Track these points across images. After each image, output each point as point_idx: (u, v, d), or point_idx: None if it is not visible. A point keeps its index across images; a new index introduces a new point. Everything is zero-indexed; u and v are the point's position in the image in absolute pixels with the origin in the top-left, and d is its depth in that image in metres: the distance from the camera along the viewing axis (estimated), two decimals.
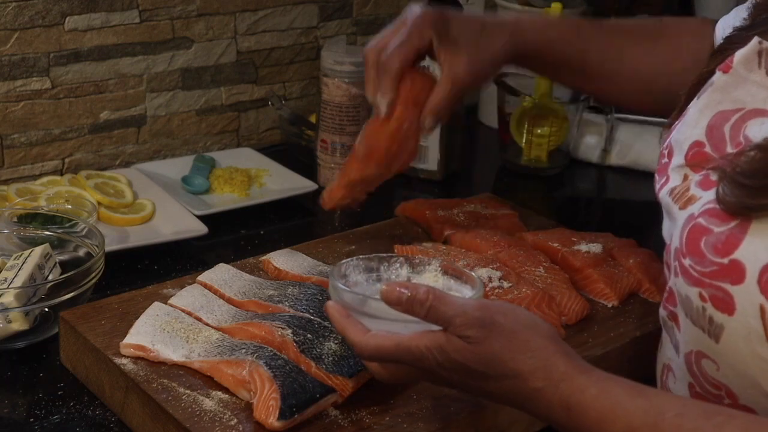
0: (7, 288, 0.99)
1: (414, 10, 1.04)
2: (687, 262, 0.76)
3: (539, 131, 1.54)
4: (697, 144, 0.81)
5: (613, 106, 1.48)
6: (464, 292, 0.86)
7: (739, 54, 0.78)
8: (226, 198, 1.38)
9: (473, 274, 0.88)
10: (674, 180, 0.83)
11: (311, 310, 0.96)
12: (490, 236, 1.16)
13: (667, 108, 0.95)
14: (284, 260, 1.09)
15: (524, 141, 1.56)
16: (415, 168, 1.51)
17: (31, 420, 0.92)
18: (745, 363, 0.73)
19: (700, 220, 0.76)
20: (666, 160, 0.86)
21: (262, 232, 1.32)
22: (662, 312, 0.86)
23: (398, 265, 0.89)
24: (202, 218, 1.27)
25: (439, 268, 0.88)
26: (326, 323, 0.94)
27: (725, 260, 0.73)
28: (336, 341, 0.92)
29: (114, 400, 0.93)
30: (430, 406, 0.89)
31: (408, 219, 1.26)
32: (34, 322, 1.02)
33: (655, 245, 1.22)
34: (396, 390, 0.91)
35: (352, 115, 1.40)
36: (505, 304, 0.80)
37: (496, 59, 1.07)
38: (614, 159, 1.61)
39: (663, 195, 0.84)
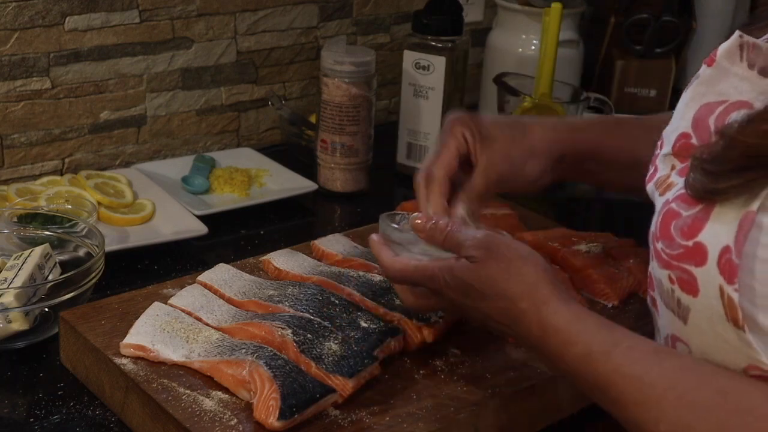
0: (7, 288, 0.99)
1: (446, 119, 1.04)
2: (659, 245, 0.79)
3: None
4: (683, 135, 0.83)
5: None
6: None
7: (722, 48, 0.80)
8: (226, 198, 1.38)
9: (504, 232, 0.98)
10: (661, 170, 0.85)
11: (311, 310, 0.96)
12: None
13: None
14: (284, 260, 1.09)
15: None
16: (415, 168, 1.51)
17: (31, 420, 0.92)
18: (710, 344, 0.76)
19: (673, 204, 0.79)
20: (657, 151, 0.88)
21: (262, 232, 1.32)
22: (648, 298, 0.89)
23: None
24: (202, 218, 1.27)
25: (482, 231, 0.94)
26: (326, 323, 0.94)
27: (690, 243, 0.75)
28: (336, 341, 0.92)
29: (114, 400, 0.93)
30: (430, 406, 0.89)
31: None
32: (34, 322, 1.02)
33: None
34: (396, 390, 0.91)
35: (352, 115, 1.40)
36: (510, 238, 0.89)
37: (537, 149, 1.03)
38: None
39: (650, 186, 0.87)
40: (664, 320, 0.82)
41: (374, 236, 0.94)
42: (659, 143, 0.88)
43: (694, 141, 0.82)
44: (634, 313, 1.07)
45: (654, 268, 0.81)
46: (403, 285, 0.92)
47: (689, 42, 1.86)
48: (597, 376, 0.77)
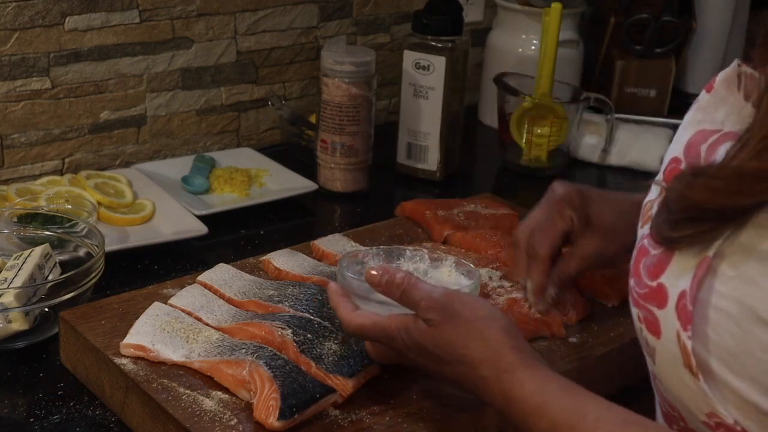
0: (7, 288, 0.99)
1: (556, 190, 1.04)
2: (631, 282, 0.78)
3: (539, 131, 1.55)
4: (674, 160, 0.81)
5: None
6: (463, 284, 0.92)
7: (721, 75, 0.79)
8: (226, 198, 1.38)
9: (476, 269, 0.93)
10: (652, 194, 0.83)
11: (311, 310, 0.96)
12: (490, 236, 1.16)
13: None
14: (284, 260, 1.09)
15: (524, 141, 1.56)
16: (415, 168, 1.51)
17: (31, 420, 0.92)
18: (676, 387, 0.74)
19: (645, 241, 0.78)
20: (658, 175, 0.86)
21: (262, 232, 1.32)
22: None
23: (418, 258, 0.96)
24: (202, 218, 1.27)
25: (454, 264, 0.95)
26: (326, 323, 0.94)
27: (654, 283, 0.74)
28: (336, 341, 0.92)
29: (114, 400, 0.93)
30: (430, 406, 0.89)
31: (408, 219, 1.26)
32: (34, 322, 1.02)
33: None
34: (396, 390, 0.91)
35: (352, 115, 1.40)
36: (469, 296, 0.85)
37: (628, 248, 0.99)
38: (614, 159, 1.61)
39: (642, 209, 0.84)
40: (645, 357, 0.80)
41: (332, 285, 0.90)
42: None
43: (683, 167, 0.80)
44: None
45: (630, 305, 0.79)
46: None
47: (689, 42, 1.86)
48: None
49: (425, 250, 0.96)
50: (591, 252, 1.02)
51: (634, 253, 0.79)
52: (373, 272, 0.86)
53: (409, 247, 0.97)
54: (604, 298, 1.09)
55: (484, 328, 0.80)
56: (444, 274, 0.94)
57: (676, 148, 0.82)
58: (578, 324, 1.04)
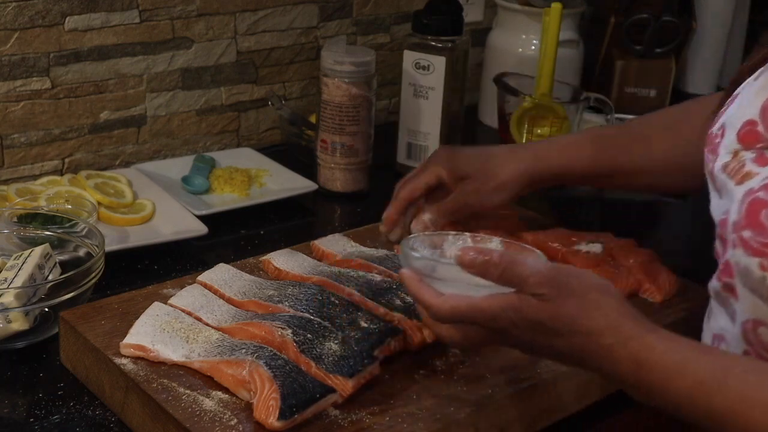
0: (7, 288, 0.99)
1: (431, 153, 1.21)
2: (746, 234, 0.79)
3: (539, 131, 1.54)
4: (750, 123, 0.84)
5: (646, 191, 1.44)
6: None
7: None
8: (226, 198, 1.38)
9: (533, 248, 0.91)
10: (724, 156, 0.86)
11: (311, 310, 0.96)
12: (489, 236, 1.15)
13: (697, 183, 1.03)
14: (284, 260, 1.09)
15: (524, 141, 1.56)
16: (415, 168, 1.51)
17: (31, 420, 0.92)
18: None
19: (760, 194, 0.79)
20: (719, 139, 0.89)
21: (262, 232, 1.32)
22: (714, 285, 0.89)
23: (461, 242, 0.94)
24: (202, 218, 1.27)
25: (500, 244, 0.93)
26: (326, 323, 0.94)
27: None
28: (336, 341, 0.92)
29: (114, 400, 0.93)
30: (430, 406, 0.89)
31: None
32: (34, 322, 1.02)
33: (655, 245, 1.22)
34: (396, 390, 0.91)
35: (352, 115, 1.40)
36: (576, 268, 0.85)
37: (506, 184, 1.15)
38: None
39: (717, 171, 0.87)
40: (746, 305, 0.82)
41: (406, 271, 0.86)
42: (720, 131, 0.89)
43: (760, 129, 0.83)
44: None
45: (736, 255, 0.81)
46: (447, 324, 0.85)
47: (689, 42, 1.86)
48: (713, 408, 0.74)
49: (467, 234, 0.94)
50: (465, 194, 1.15)
51: (741, 207, 0.81)
52: (466, 253, 0.82)
53: (451, 232, 0.95)
54: (649, 294, 1.10)
55: (600, 298, 0.80)
56: None
57: (750, 112, 0.84)
58: None
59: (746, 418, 0.73)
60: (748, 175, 0.83)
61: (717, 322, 0.91)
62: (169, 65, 1.46)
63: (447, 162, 1.16)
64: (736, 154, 0.85)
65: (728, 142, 0.86)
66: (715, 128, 0.91)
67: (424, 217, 1.16)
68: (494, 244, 0.93)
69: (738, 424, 0.73)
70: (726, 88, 0.94)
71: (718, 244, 0.88)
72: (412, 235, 0.93)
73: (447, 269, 0.85)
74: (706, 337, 0.93)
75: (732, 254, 0.83)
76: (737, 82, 0.92)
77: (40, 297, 1.02)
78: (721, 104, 0.93)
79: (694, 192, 1.11)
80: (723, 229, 0.86)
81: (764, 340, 0.81)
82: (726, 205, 0.86)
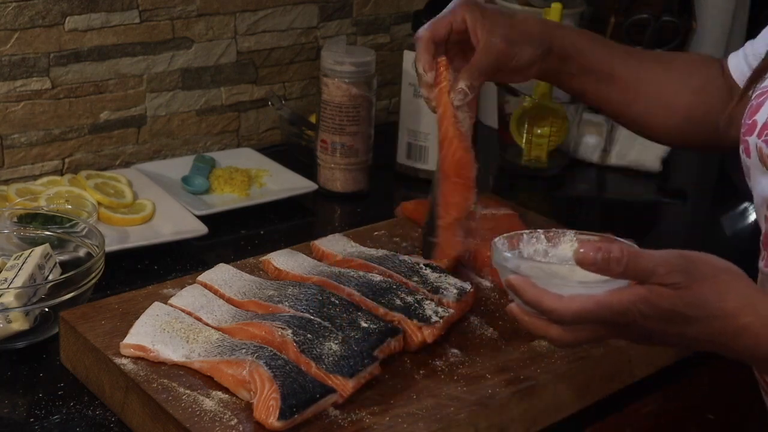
0: (7, 288, 0.99)
1: (453, 1, 1.11)
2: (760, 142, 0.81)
3: (539, 131, 1.55)
4: None
5: (638, 132, 1.43)
6: None
7: None
8: (226, 198, 1.38)
9: (616, 237, 0.89)
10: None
11: (311, 310, 0.96)
12: (489, 236, 1.15)
13: (690, 132, 1.08)
14: (284, 260, 1.09)
15: (524, 141, 1.56)
16: (415, 168, 1.51)
17: (31, 420, 0.92)
18: None
19: None
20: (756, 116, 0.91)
21: (262, 232, 1.32)
22: (763, 269, 0.90)
23: (534, 239, 0.91)
24: (202, 218, 1.27)
25: (575, 238, 0.91)
26: (326, 323, 0.94)
27: None
28: (336, 341, 0.92)
29: (114, 400, 0.93)
30: (430, 406, 0.89)
31: (408, 219, 1.26)
32: (34, 322, 1.02)
33: (655, 245, 1.22)
34: (396, 390, 0.91)
35: (352, 115, 1.40)
36: (699, 253, 0.83)
37: (532, 40, 1.10)
38: (614, 159, 1.61)
39: (752, 138, 0.89)
40: None
41: (516, 279, 0.83)
42: (755, 102, 0.91)
43: None
44: None
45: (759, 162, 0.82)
46: (545, 321, 0.83)
47: (689, 42, 1.85)
48: None
49: (540, 231, 0.92)
50: (495, 39, 1.08)
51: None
52: (586, 253, 0.79)
53: (524, 232, 0.92)
54: None
55: (731, 280, 0.80)
56: (567, 250, 0.90)
57: None
58: None
59: None
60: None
61: None
62: (169, 65, 1.46)
63: (472, 9, 1.09)
64: None
65: None
66: (754, 101, 0.92)
67: (460, 85, 1.08)
68: (568, 237, 0.91)
69: None
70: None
71: (764, 225, 0.87)
72: (497, 242, 0.90)
73: (556, 269, 0.84)
74: None
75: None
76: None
77: (40, 297, 1.02)
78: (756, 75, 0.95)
79: (688, 144, 1.15)
80: (764, 207, 0.86)
81: None
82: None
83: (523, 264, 0.84)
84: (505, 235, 0.92)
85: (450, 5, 1.11)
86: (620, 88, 1.16)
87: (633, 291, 0.79)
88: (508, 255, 0.86)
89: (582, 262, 0.79)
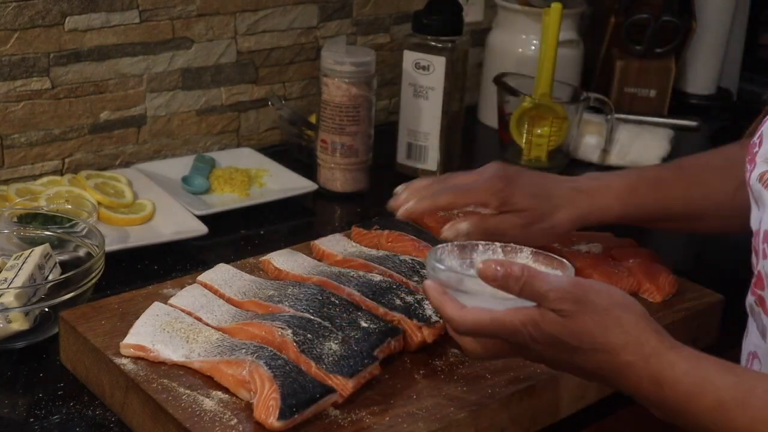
0: (7, 288, 0.99)
1: (488, 170, 1.07)
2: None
3: (539, 131, 1.55)
4: None
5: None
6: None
7: None
8: (226, 198, 1.38)
9: (564, 259, 0.89)
10: (761, 167, 0.85)
11: (311, 310, 0.96)
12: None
13: None
14: (284, 260, 1.09)
15: (524, 141, 1.56)
16: (415, 168, 1.51)
17: (31, 420, 0.92)
18: None
19: None
20: (757, 149, 0.88)
21: (262, 232, 1.32)
22: (749, 299, 0.87)
23: (491, 252, 0.92)
24: (202, 218, 1.27)
25: (530, 255, 0.91)
26: (326, 323, 0.94)
27: None
28: (336, 341, 0.92)
29: (114, 400, 0.93)
30: (430, 406, 0.89)
31: (408, 219, 1.25)
32: (34, 322, 1.02)
33: (655, 245, 1.22)
34: (396, 390, 0.91)
35: (352, 115, 1.40)
36: (599, 283, 0.82)
37: (555, 229, 1.07)
38: (614, 159, 1.61)
39: (753, 182, 0.86)
40: None
41: (429, 284, 0.85)
42: (758, 141, 0.88)
43: None
44: None
45: (767, 266, 0.80)
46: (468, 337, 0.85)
47: (689, 42, 1.86)
48: (736, 428, 0.73)
49: (498, 245, 0.93)
50: (514, 231, 1.04)
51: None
52: (487, 266, 0.81)
53: (481, 242, 0.94)
54: (648, 294, 1.10)
55: (622, 315, 0.78)
56: None
57: None
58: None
59: None
60: None
61: (751, 339, 0.90)
62: (169, 65, 1.46)
63: (501, 191, 1.05)
64: None
65: (765, 151, 0.85)
66: (754, 138, 0.90)
67: (461, 225, 1.06)
68: (524, 254, 0.91)
69: None
70: None
71: (753, 257, 0.86)
72: (440, 246, 0.92)
73: (473, 282, 0.83)
74: (743, 356, 0.92)
75: (763, 265, 0.81)
76: None
77: (40, 297, 1.02)
78: (762, 117, 0.92)
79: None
80: (756, 240, 0.84)
81: None
82: (761, 215, 0.84)
83: (443, 274, 0.86)
84: (457, 242, 0.93)
85: (482, 179, 1.06)
86: (680, 220, 1.10)
87: (526, 312, 0.80)
88: (432, 262, 0.87)
89: (484, 277, 0.81)
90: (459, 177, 1.09)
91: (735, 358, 0.90)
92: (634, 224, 1.12)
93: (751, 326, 0.89)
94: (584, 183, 1.10)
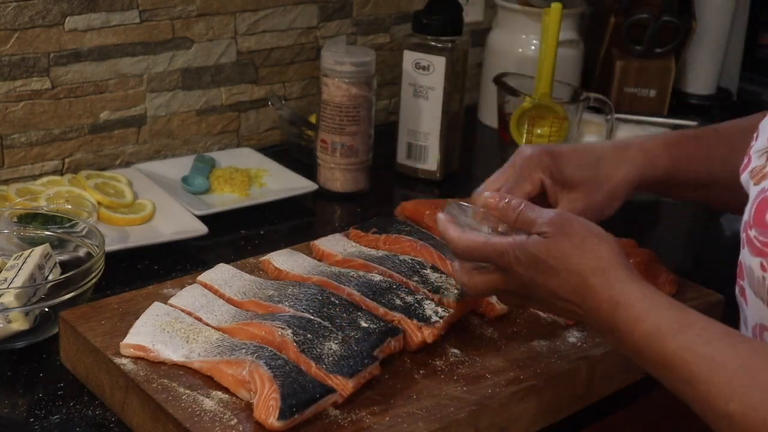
0: (7, 288, 0.99)
1: (523, 152, 1.02)
2: (752, 233, 0.80)
3: (539, 131, 1.54)
4: None
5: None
6: None
7: None
8: (226, 198, 1.38)
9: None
10: (756, 161, 0.86)
11: (311, 310, 0.96)
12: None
13: None
14: (284, 260, 1.09)
15: (524, 141, 1.56)
16: (415, 168, 1.51)
17: (31, 420, 0.92)
18: None
19: None
20: (753, 143, 0.89)
21: (262, 232, 1.32)
22: (736, 289, 0.89)
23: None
24: (202, 218, 1.27)
25: None
26: (326, 323, 0.94)
27: None
28: (336, 341, 0.92)
29: (114, 400, 0.93)
30: (430, 406, 0.89)
31: (408, 219, 1.26)
32: (34, 322, 1.02)
33: (655, 245, 1.22)
34: (396, 390, 0.91)
35: (352, 115, 1.40)
36: (582, 218, 0.88)
37: (618, 192, 1.03)
38: None
39: (744, 176, 0.88)
40: (753, 309, 0.83)
41: (441, 214, 0.93)
42: (754, 135, 0.90)
43: None
44: None
45: (745, 256, 0.82)
46: (463, 264, 0.91)
47: (689, 42, 1.86)
48: (664, 354, 0.77)
49: None
50: (579, 209, 1.00)
51: (752, 206, 0.82)
52: (490, 198, 0.90)
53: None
54: None
55: (598, 244, 0.84)
56: None
57: None
58: (578, 323, 1.04)
59: (688, 368, 0.75)
60: (765, 176, 0.83)
61: (740, 330, 0.91)
62: (169, 65, 1.46)
63: (550, 168, 1.01)
64: None
65: (759, 146, 0.87)
66: (754, 134, 0.91)
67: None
68: None
69: (679, 372, 0.76)
70: None
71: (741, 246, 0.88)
72: (460, 201, 0.97)
73: (485, 229, 0.92)
74: None
75: (742, 255, 0.83)
76: None
77: (40, 297, 1.02)
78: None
79: None
80: (741, 230, 0.86)
81: None
82: (747, 206, 0.86)
83: (457, 212, 0.94)
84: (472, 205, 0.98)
85: (520, 164, 1.01)
86: (722, 189, 1.05)
87: (515, 237, 0.87)
88: (449, 206, 0.95)
89: (486, 204, 0.91)
90: (495, 181, 1.03)
91: None
92: (680, 186, 1.07)
93: (739, 316, 0.91)
94: (626, 140, 1.07)
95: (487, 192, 0.91)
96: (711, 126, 1.11)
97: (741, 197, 0.96)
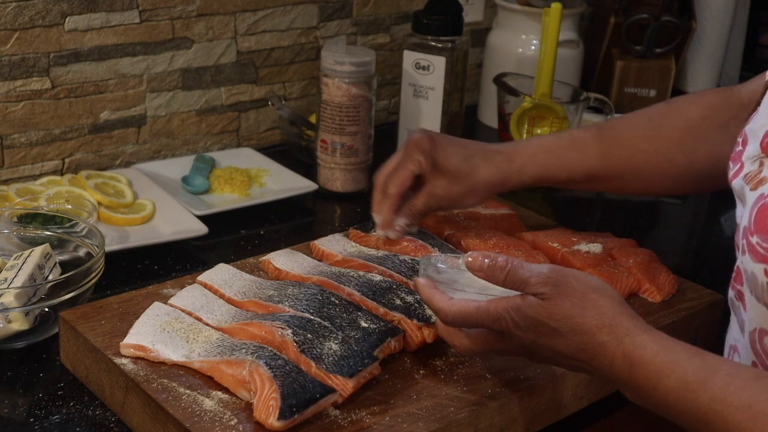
0: (7, 288, 0.99)
1: (413, 135, 1.13)
2: (754, 239, 0.80)
3: (539, 131, 1.54)
4: None
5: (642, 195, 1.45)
6: None
7: None
8: (226, 198, 1.38)
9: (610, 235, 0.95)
10: (748, 167, 0.86)
11: (311, 310, 0.96)
12: (489, 236, 1.16)
13: (702, 180, 1.07)
14: (284, 260, 1.09)
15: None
16: None
17: (31, 420, 0.92)
18: None
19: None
20: (740, 148, 0.89)
21: (262, 232, 1.32)
22: (730, 293, 0.89)
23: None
24: (202, 218, 1.27)
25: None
26: (326, 323, 0.94)
27: None
28: (336, 341, 0.92)
29: (114, 400, 0.93)
30: (430, 406, 0.89)
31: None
32: (34, 322, 1.02)
33: (655, 245, 1.22)
34: (396, 390, 0.91)
35: (352, 115, 1.40)
36: (577, 271, 0.86)
37: (477, 188, 1.12)
38: None
39: (736, 181, 0.88)
40: (753, 314, 0.82)
41: (420, 279, 0.91)
42: (741, 140, 0.90)
43: None
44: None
45: (745, 262, 0.81)
46: (455, 329, 0.89)
47: (689, 42, 1.86)
48: (697, 408, 0.75)
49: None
50: (437, 192, 1.11)
51: (752, 212, 0.82)
52: (475, 258, 0.87)
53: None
54: (648, 294, 1.10)
55: (598, 298, 0.82)
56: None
57: None
58: None
59: (725, 419, 0.73)
60: (762, 181, 0.83)
61: (731, 332, 0.91)
62: (169, 65, 1.46)
63: (430, 152, 1.11)
64: (762, 164, 0.85)
65: (751, 152, 0.86)
66: (739, 136, 0.91)
67: (398, 222, 1.13)
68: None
69: (718, 426, 0.74)
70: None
71: (736, 251, 0.88)
72: (433, 255, 0.96)
73: (462, 278, 0.89)
74: (725, 349, 0.94)
75: (741, 260, 0.83)
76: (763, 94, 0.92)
77: (40, 297, 1.02)
78: (747, 115, 0.93)
79: (683, 194, 1.10)
80: (737, 236, 0.86)
81: None
82: (742, 212, 0.86)
83: (431, 269, 0.91)
84: (447, 255, 1.00)
85: (407, 144, 1.12)
86: (603, 180, 1.15)
87: (508, 300, 0.84)
88: (424, 262, 0.92)
89: (471, 267, 0.87)
90: (389, 164, 1.14)
91: None
92: (557, 185, 1.18)
93: (732, 320, 0.91)
94: (505, 145, 1.16)
95: (469, 256, 0.87)
96: (597, 124, 1.18)
97: (627, 184, 1.13)
